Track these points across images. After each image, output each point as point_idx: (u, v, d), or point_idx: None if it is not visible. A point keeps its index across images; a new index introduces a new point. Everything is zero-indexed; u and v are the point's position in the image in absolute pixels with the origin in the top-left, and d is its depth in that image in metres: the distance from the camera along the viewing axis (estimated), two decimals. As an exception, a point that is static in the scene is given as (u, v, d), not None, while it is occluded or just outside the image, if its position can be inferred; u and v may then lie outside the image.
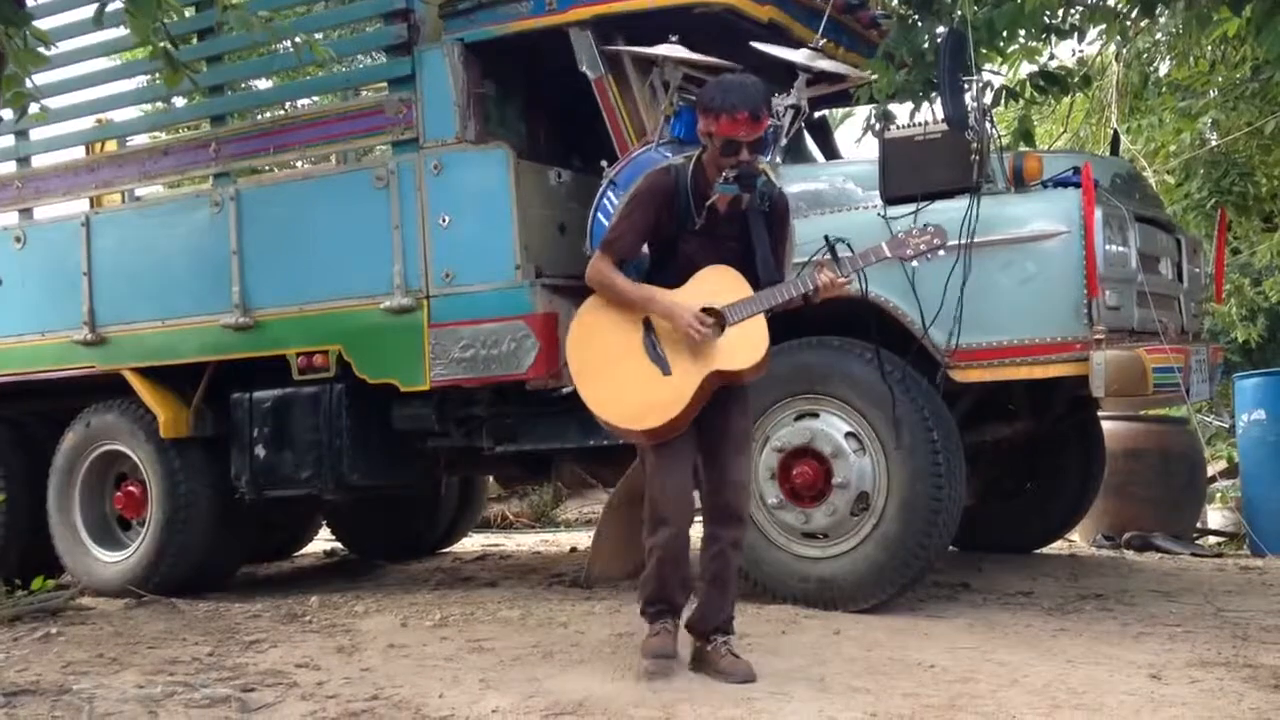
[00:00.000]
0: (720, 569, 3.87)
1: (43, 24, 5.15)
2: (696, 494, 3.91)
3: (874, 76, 5.15)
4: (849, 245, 3.89)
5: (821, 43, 5.12)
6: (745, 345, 3.70)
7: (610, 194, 4.94)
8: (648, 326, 3.76)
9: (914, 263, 3.95)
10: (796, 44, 5.28)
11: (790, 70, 5.09)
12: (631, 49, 5.16)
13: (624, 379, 3.76)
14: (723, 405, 3.80)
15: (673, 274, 3.79)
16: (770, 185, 3.85)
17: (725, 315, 3.69)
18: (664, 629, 3.83)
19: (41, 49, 4.57)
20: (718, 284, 3.73)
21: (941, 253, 3.92)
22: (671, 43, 4.99)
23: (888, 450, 4.65)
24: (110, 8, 4.77)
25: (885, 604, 4.71)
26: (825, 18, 5.21)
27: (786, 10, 5.43)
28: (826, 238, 3.91)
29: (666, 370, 3.72)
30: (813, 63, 5.06)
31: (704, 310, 3.70)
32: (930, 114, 5.00)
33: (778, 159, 5.12)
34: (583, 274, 3.93)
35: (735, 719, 3.36)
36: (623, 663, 3.94)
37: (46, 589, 5.69)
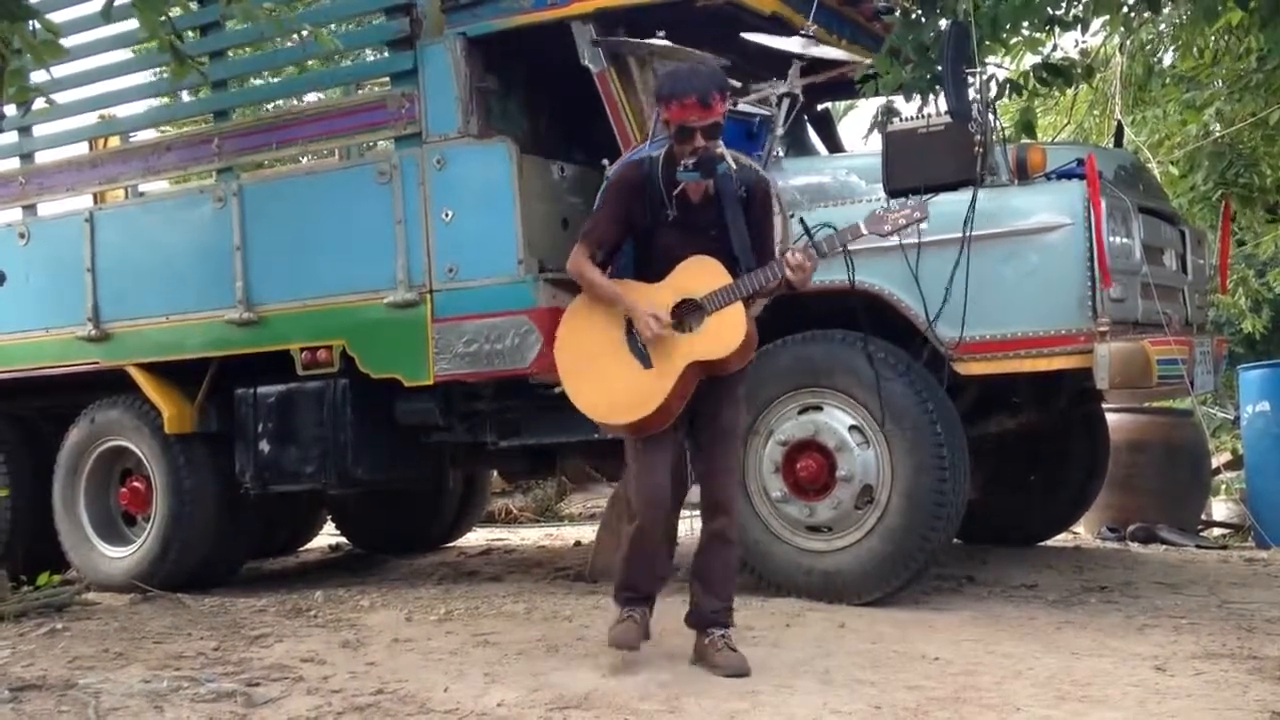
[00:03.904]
0: (703, 566, 3.89)
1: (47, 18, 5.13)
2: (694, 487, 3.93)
3: (868, 62, 5.14)
4: (833, 228, 3.87)
5: (813, 29, 5.09)
6: (724, 333, 3.70)
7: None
8: (630, 321, 3.78)
9: (894, 237, 3.92)
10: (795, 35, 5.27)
11: (787, 60, 5.07)
12: (619, 39, 5.15)
13: (607, 374, 3.79)
14: (713, 398, 3.80)
15: (654, 266, 3.81)
16: (748, 171, 3.85)
17: (704, 305, 3.70)
18: (630, 617, 3.84)
19: (57, 41, 4.57)
20: (698, 274, 3.74)
21: (923, 225, 3.91)
22: (659, 37, 4.98)
23: (891, 443, 4.65)
24: (118, 2, 4.78)
25: (889, 597, 4.71)
26: (815, 5, 5.16)
27: (788, 2, 5.42)
28: (802, 220, 3.91)
29: (647, 364, 3.74)
30: (806, 50, 5.04)
31: (683, 302, 3.72)
32: (934, 107, 4.99)
33: (779, 151, 5.10)
34: None
35: (740, 711, 3.36)
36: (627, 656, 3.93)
37: (52, 585, 5.69)
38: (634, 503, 3.85)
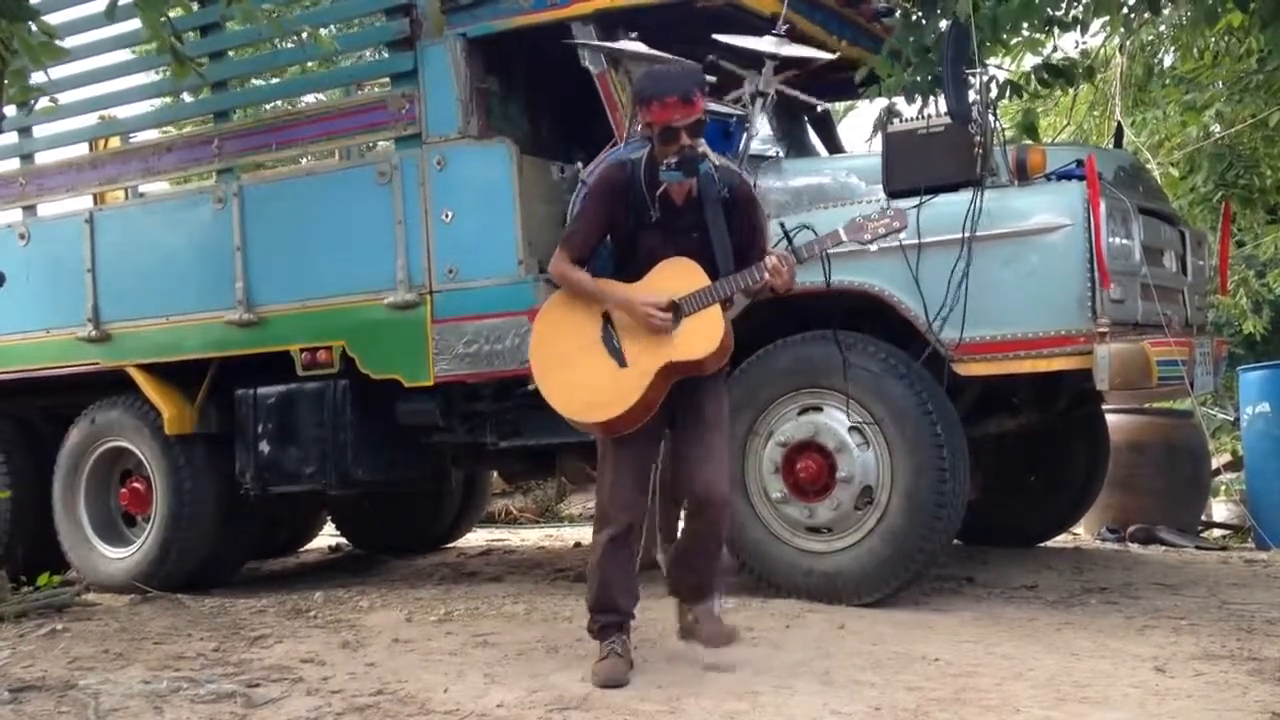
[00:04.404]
0: (684, 549, 3.90)
1: (47, 19, 5.13)
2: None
3: (832, 56, 5.11)
4: (813, 230, 3.87)
5: (785, 28, 5.07)
6: (700, 335, 3.68)
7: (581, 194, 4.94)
8: (606, 319, 3.77)
9: (873, 245, 3.90)
10: (797, 38, 5.26)
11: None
12: (589, 43, 5.15)
13: (581, 372, 3.77)
14: (695, 395, 3.79)
15: (635, 268, 3.79)
16: (730, 173, 3.84)
17: (681, 306, 3.69)
18: (613, 650, 3.76)
19: (58, 42, 4.58)
20: (675, 275, 3.72)
21: (902, 235, 3.88)
22: (631, 39, 4.97)
23: (891, 444, 4.65)
24: (121, 1, 4.78)
25: (889, 598, 4.71)
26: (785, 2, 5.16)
27: (789, 3, 5.42)
28: (782, 224, 3.90)
29: (622, 363, 3.71)
30: (777, 49, 5.02)
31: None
32: (935, 108, 4.99)
33: (778, 151, 5.10)
34: None
35: (739, 712, 3.36)
36: (627, 657, 3.93)
37: (52, 585, 5.70)
38: (605, 507, 3.82)
